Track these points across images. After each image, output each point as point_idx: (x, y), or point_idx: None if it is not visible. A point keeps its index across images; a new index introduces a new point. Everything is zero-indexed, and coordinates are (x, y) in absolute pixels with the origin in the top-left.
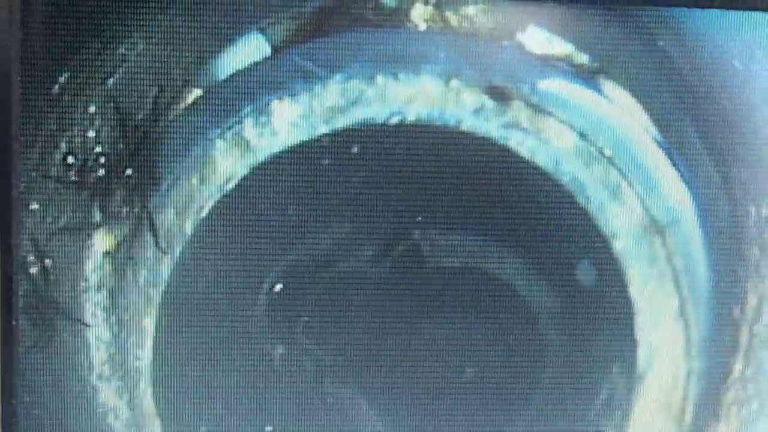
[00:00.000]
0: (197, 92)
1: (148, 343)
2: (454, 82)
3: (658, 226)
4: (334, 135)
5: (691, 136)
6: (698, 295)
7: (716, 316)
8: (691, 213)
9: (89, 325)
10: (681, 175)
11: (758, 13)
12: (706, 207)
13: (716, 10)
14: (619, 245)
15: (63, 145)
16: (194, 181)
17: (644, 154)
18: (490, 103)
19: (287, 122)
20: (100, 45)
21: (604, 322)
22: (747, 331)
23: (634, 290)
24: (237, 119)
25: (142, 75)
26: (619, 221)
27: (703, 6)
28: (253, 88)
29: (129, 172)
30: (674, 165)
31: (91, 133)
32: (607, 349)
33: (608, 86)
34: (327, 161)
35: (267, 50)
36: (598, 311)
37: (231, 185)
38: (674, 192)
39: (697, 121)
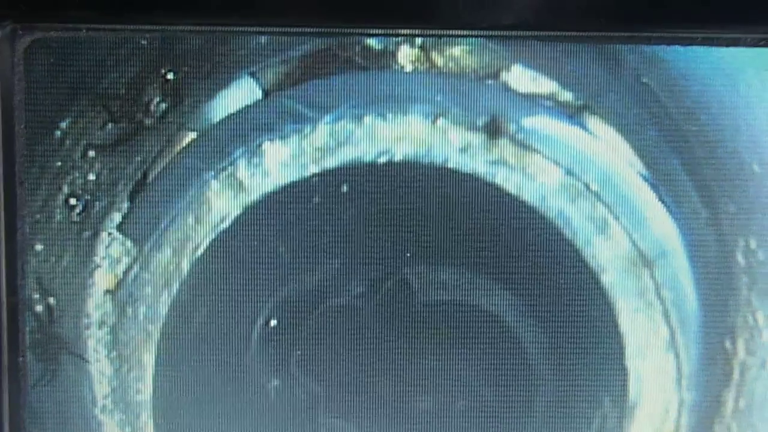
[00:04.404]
0: (192, 135)
1: (148, 377)
2: (441, 121)
3: (645, 260)
4: (324, 174)
5: (676, 170)
6: (688, 326)
7: (707, 347)
8: (679, 246)
9: (89, 361)
10: (667, 209)
11: (740, 49)
12: (694, 240)
13: (698, 47)
14: (607, 278)
15: (65, 187)
16: (190, 220)
17: (630, 189)
18: (476, 141)
19: (278, 163)
20: (98, 92)
21: (595, 353)
22: (738, 364)
23: (624, 322)
24: (230, 160)
25: (140, 120)
26: (607, 255)
27: (685, 43)
28: (246, 131)
29: (128, 212)
30: (660, 199)
31: (92, 176)
32: (598, 380)
33: (593, 122)
34: (317, 200)
35: (258, 94)
36: (588, 343)
37: (225, 224)
38: (661, 225)
39: (682, 155)
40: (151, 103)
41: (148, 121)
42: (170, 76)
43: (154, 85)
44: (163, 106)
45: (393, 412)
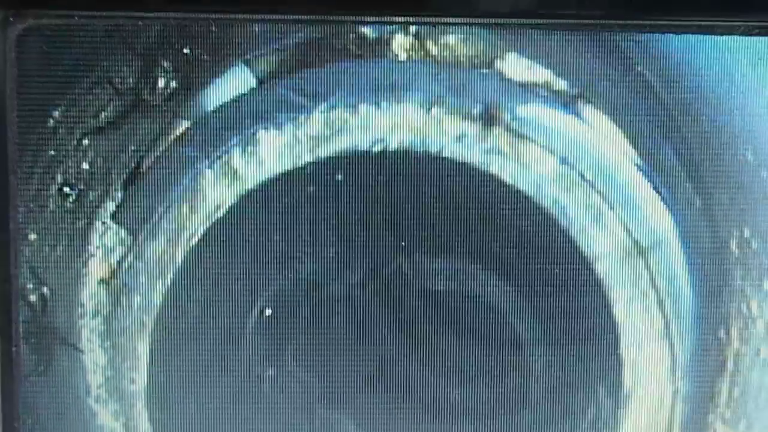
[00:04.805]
0: (186, 124)
1: (143, 367)
2: (435, 110)
3: (639, 249)
4: (318, 163)
5: (670, 159)
6: (682, 316)
7: (701, 336)
8: (673, 235)
9: (83, 351)
10: (662, 198)
11: (735, 37)
12: (688, 229)
13: (693, 35)
14: (601, 267)
15: (59, 176)
16: (184, 209)
17: (624, 178)
18: (471, 130)
19: (273, 151)
20: (92, 80)
21: (589, 343)
22: (732, 353)
23: (618, 312)
24: (225, 149)
25: (133, 108)
26: (601, 244)
27: (679, 32)
28: (240, 119)
29: (122, 201)
30: (654, 188)
31: (85, 165)
32: (593, 369)
33: (587, 111)
34: (312, 189)
35: (253, 82)
36: (583, 332)
37: (220, 213)
38: (655, 214)
39: (676, 144)
40: (146, 90)
41: (141, 109)
42: (164, 63)
43: (148, 73)
44: (157, 93)
45: (387, 401)
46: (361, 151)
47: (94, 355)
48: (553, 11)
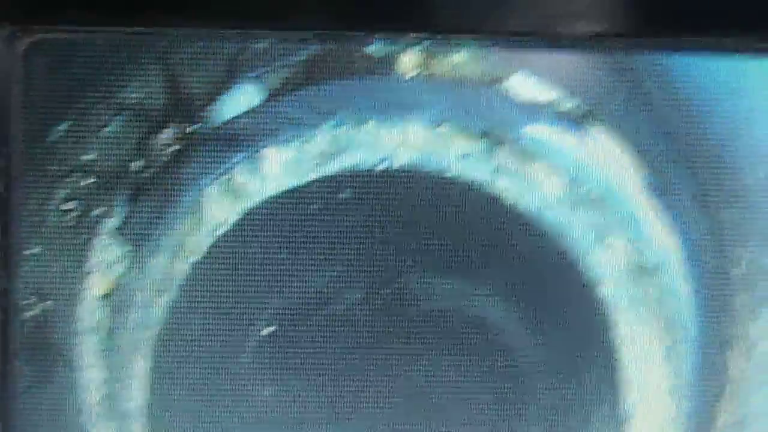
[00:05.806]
0: (190, 140)
1: (141, 385)
2: (442, 128)
3: (645, 270)
4: (323, 181)
5: (677, 180)
6: (685, 338)
7: (704, 359)
8: (678, 256)
9: (81, 368)
10: (668, 219)
11: (745, 56)
12: (694, 251)
13: (702, 54)
14: (605, 289)
15: (61, 191)
16: (187, 226)
17: (631, 199)
18: (477, 149)
19: (277, 169)
20: (98, 94)
21: (591, 365)
22: (735, 376)
23: (621, 333)
24: (229, 166)
25: (138, 123)
26: (606, 265)
27: (688, 51)
28: (245, 136)
29: (124, 217)
30: (661, 208)
31: (88, 180)
32: (594, 391)
33: (595, 131)
34: (316, 207)
35: (258, 99)
36: (585, 354)
37: (222, 230)
38: (661, 236)
39: (683, 165)
40: (152, 105)
41: (147, 125)
42: (170, 79)
43: (154, 88)
44: (163, 108)
45: (388, 421)
46: (366, 169)
47: (92, 372)
48: (560, 30)
